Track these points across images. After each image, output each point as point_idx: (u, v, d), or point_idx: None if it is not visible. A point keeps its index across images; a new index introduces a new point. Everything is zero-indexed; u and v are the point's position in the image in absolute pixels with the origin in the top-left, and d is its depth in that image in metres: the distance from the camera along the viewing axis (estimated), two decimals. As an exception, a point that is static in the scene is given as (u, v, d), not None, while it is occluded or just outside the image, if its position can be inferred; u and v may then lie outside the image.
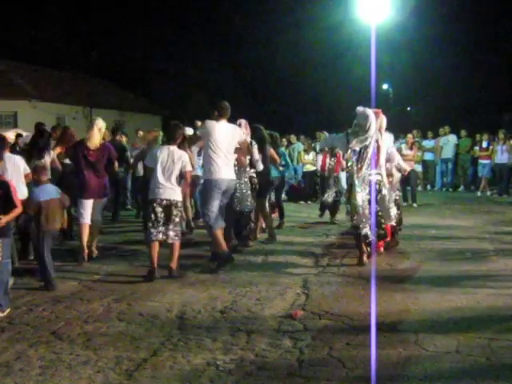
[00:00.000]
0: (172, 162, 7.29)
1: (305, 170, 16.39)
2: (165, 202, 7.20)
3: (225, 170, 7.75)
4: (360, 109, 7.89)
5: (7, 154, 7.59)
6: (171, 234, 7.19)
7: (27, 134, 12.16)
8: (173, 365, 4.35)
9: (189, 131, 9.67)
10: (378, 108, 8.17)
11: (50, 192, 6.87)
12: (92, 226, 8.25)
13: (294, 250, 8.75)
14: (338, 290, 6.43)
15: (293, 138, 18.23)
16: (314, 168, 15.08)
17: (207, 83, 37.93)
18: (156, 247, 7.16)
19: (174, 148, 7.42)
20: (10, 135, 15.55)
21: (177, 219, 7.29)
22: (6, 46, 30.83)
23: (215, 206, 7.70)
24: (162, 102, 36.33)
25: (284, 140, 17.55)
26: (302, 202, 15.55)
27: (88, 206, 8.23)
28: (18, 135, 14.84)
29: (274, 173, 10.37)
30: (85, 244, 8.06)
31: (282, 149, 14.11)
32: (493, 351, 4.45)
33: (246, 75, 39.81)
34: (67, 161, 9.30)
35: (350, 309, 5.66)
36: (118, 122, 30.21)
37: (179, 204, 7.36)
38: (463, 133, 18.92)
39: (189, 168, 7.46)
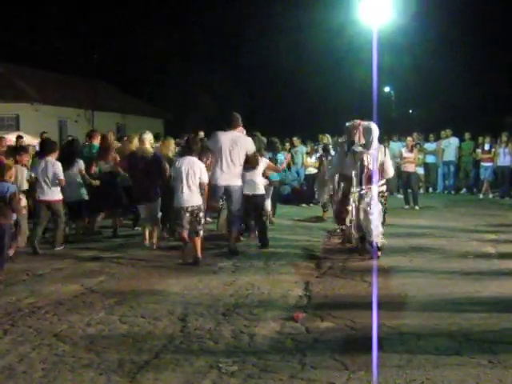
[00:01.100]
0: (193, 172, 8.06)
1: (307, 172, 16.38)
2: (189, 208, 8.05)
3: (223, 177, 8.60)
4: (365, 123, 8.30)
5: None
6: (198, 228, 8.10)
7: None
8: (175, 367, 4.35)
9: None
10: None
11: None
12: (150, 224, 9.29)
13: (296, 252, 8.76)
14: (340, 292, 6.43)
15: (296, 140, 18.22)
16: (316, 171, 15.07)
17: (209, 87, 38.00)
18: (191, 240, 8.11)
19: (194, 159, 8.19)
20: (11, 137, 15.72)
21: (200, 220, 8.15)
22: (7, 47, 30.89)
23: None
24: (164, 105, 36.36)
25: (287, 144, 17.64)
26: (304, 205, 15.54)
27: (142, 208, 9.33)
28: (19, 137, 15.00)
29: (272, 176, 10.92)
30: (146, 235, 9.18)
31: (281, 154, 14.18)
32: (495, 354, 4.45)
33: (248, 78, 39.86)
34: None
35: (351, 311, 5.66)
36: (120, 124, 30.33)
37: (201, 207, 8.17)
38: (467, 135, 18.92)
39: (204, 179, 8.21)
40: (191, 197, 8.05)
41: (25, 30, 35.22)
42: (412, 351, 4.55)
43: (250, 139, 8.94)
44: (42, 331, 5.21)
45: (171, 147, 10.55)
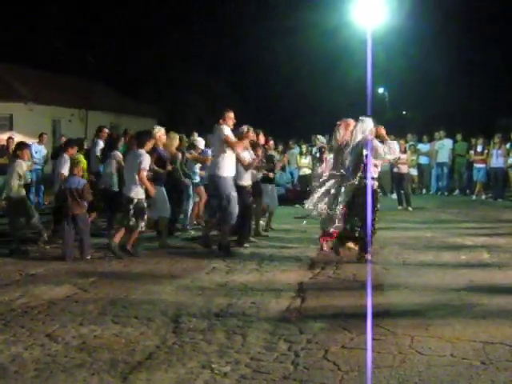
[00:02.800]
0: (135, 164, 8.45)
1: (301, 173, 16.42)
2: (135, 200, 8.49)
3: (208, 169, 9.43)
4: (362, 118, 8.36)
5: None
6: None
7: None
8: (168, 368, 4.34)
9: (200, 143, 11.42)
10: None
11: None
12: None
13: (290, 254, 8.76)
14: (333, 294, 6.44)
15: (291, 144, 18.34)
16: (310, 171, 15.13)
17: (204, 87, 37.97)
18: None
19: (136, 152, 8.62)
20: (4, 137, 15.72)
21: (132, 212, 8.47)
22: (3, 46, 30.75)
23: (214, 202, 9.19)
24: (159, 105, 36.30)
25: (280, 146, 17.71)
26: (297, 206, 15.53)
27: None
28: (9, 138, 15.03)
29: None
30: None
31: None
32: (487, 355, 4.46)
33: (243, 80, 39.84)
34: None
35: (345, 312, 5.66)
36: (114, 124, 30.28)
37: (135, 201, 8.44)
38: (458, 137, 18.99)
39: (144, 166, 8.40)
40: (136, 189, 8.45)
41: (24, 29, 35.09)
42: (405, 351, 4.56)
43: (222, 127, 8.87)
44: (35, 331, 5.19)
45: (175, 142, 10.54)
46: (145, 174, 8.42)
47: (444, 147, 18.74)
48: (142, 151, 8.55)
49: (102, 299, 6.21)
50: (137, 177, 8.39)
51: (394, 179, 16.18)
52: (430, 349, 4.61)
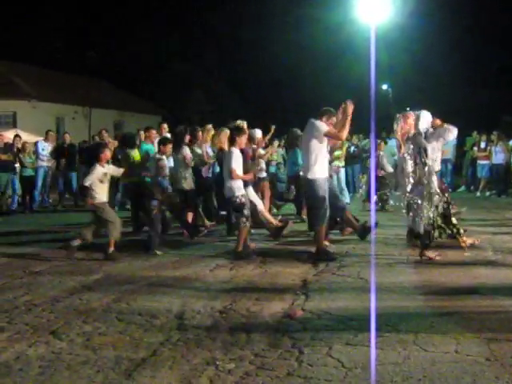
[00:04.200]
0: (228, 164, 8.37)
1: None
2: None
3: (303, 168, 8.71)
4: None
5: None
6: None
7: None
8: (172, 365, 4.34)
9: (257, 133, 11.04)
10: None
11: None
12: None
13: (294, 251, 8.76)
14: (337, 290, 6.42)
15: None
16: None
17: (204, 87, 38.01)
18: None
19: (231, 149, 8.39)
20: (9, 135, 15.73)
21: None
22: (6, 45, 30.84)
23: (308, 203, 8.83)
24: (162, 102, 36.34)
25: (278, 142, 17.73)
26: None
27: None
28: (16, 135, 15.11)
29: None
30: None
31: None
32: (492, 351, 4.45)
33: (243, 80, 39.83)
34: None
35: (349, 309, 5.66)
36: (117, 122, 30.33)
37: (233, 199, 8.32)
38: (475, 134, 19.00)
39: (232, 167, 8.24)
40: (230, 187, 8.35)
41: (24, 29, 35.19)
42: (409, 348, 4.55)
43: (313, 123, 8.15)
44: (39, 328, 5.20)
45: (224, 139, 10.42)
46: (237, 173, 8.21)
47: (448, 144, 18.65)
48: (233, 149, 8.35)
49: (106, 296, 6.22)
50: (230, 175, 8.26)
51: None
52: (434, 345, 4.60)
